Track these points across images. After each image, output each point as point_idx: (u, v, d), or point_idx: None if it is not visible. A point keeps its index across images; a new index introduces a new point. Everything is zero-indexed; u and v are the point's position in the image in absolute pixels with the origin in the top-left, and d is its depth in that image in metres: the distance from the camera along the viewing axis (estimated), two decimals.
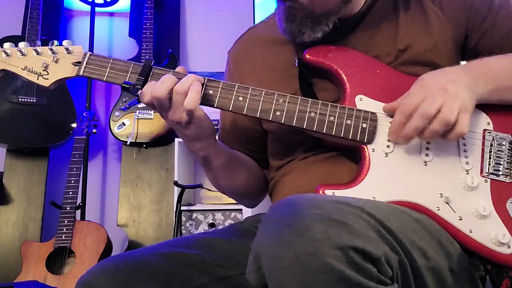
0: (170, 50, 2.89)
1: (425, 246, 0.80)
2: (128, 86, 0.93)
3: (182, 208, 2.45)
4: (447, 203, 0.89)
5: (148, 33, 2.83)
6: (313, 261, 0.62)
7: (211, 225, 2.50)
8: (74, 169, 2.40)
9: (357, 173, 0.91)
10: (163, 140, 2.74)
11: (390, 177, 0.90)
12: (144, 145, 2.79)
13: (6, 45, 0.96)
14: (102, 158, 2.97)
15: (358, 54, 0.99)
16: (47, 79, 0.95)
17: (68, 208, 2.33)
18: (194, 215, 2.51)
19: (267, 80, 1.08)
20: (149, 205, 2.78)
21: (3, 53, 0.96)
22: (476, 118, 0.94)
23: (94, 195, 2.88)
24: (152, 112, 2.71)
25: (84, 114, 2.55)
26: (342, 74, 0.97)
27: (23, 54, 0.95)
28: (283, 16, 0.99)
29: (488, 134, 0.94)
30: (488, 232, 0.88)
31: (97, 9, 2.96)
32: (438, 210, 0.88)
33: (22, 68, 0.95)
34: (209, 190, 2.60)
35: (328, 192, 0.88)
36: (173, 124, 0.94)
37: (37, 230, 2.63)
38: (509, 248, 0.87)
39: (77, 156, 2.42)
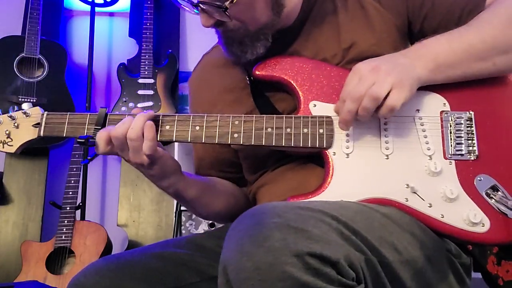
0: (169, 50, 2.89)
1: (395, 240, 0.80)
2: (83, 140, 0.93)
3: (182, 208, 2.45)
4: (414, 192, 0.89)
5: (148, 33, 2.83)
6: (272, 271, 0.63)
7: (211, 225, 2.50)
8: (74, 169, 2.40)
9: (323, 178, 0.92)
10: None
11: (354, 177, 0.91)
12: None
13: None
14: (102, 158, 2.97)
15: (306, 61, 1.00)
16: (12, 145, 0.97)
17: (68, 208, 2.34)
18: (194, 215, 2.51)
19: (226, 102, 1.09)
20: (149, 205, 2.78)
21: None
22: (431, 101, 0.95)
23: (94, 195, 2.88)
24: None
25: None
26: (293, 83, 0.98)
27: None
28: (223, 40, 1.00)
29: (445, 115, 0.94)
30: (460, 214, 0.88)
31: (97, 9, 2.96)
32: (406, 201, 0.89)
33: None
34: None
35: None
36: (136, 166, 0.94)
37: (37, 230, 2.63)
38: (483, 226, 0.87)
39: (77, 156, 2.42)
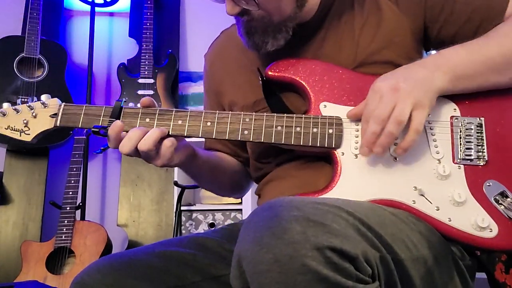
0: (169, 50, 2.90)
1: (405, 237, 0.80)
2: (97, 129, 0.96)
3: (182, 208, 2.46)
4: (422, 195, 0.89)
5: (148, 33, 2.83)
6: (292, 263, 0.62)
7: (211, 225, 2.50)
8: (74, 169, 2.40)
9: (331, 178, 0.92)
10: None
11: (362, 177, 0.91)
12: None
13: None
14: (102, 158, 2.97)
15: (318, 63, 1.01)
16: (29, 134, 1.01)
17: (68, 208, 2.34)
18: (194, 215, 2.51)
19: (240, 81, 1.11)
20: (149, 205, 2.78)
21: None
22: (442, 106, 0.95)
23: (94, 195, 2.88)
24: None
25: None
26: (304, 84, 0.99)
27: (4, 115, 1.01)
28: (244, 30, 1.00)
29: (456, 120, 0.94)
30: (468, 218, 0.87)
31: (97, 9, 2.96)
32: (414, 203, 0.89)
33: (5, 128, 1.01)
34: None
35: None
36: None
37: (37, 230, 2.63)
38: (491, 231, 0.86)
39: (77, 156, 2.42)
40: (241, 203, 2.46)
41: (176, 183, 2.43)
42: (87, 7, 2.94)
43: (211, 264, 0.98)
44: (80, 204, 2.53)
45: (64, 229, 2.30)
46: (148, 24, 2.85)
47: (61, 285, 2.18)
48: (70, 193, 2.36)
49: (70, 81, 2.76)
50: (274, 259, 0.63)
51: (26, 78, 2.65)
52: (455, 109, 0.96)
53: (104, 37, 3.08)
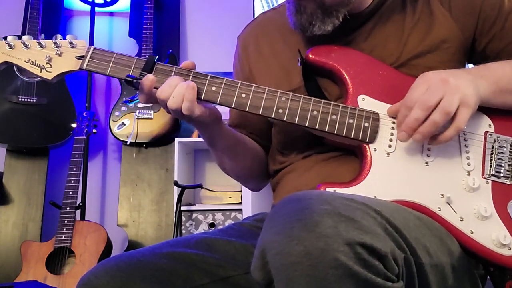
0: (170, 50, 2.89)
1: (427, 243, 0.80)
2: (131, 79, 0.93)
3: (182, 208, 2.46)
4: (448, 203, 0.89)
5: (148, 33, 2.83)
6: (323, 257, 0.61)
7: (211, 225, 2.50)
8: (74, 169, 2.40)
9: (358, 172, 0.91)
10: (163, 140, 2.75)
11: (391, 176, 0.90)
12: (144, 145, 2.79)
13: (10, 37, 0.96)
14: (102, 158, 2.97)
15: (361, 55, 0.99)
16: (50, 72, 0.95)
17: (68, 208, 2.34)
18: (194, 215, 2.51)
19: (274, 67, 1.09)
20: (149, 205, 2.78)
21: (6, 45, 0.96)
22: (477, 120, 0.94)
23: (94, 195, 2.88)
24: (152, 112, 2.71)
25: (84, 114, 2.55)
26: (345, 74, 0.97)
27: (26, 47, 0.96)
28: (293, 9, 0.99)
29: (489, 136, 0.94)
30: (489, 233, 0.88)
31: (97, 9, 2.96)
32: (439, 210, 0.88)
33: (25, 61, 0.95)
34: (209, 190, 2.60)
35: (329, 189, 0.88)
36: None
37: (37, 230, 2.63)
38: (510, 250, 0.87)
39: (77, 156, 2.42)
40: (241, 203, 2.46)
41: (176, 183, 2.43)
42: (87, 7, 2.94)
43: (219, 265, 0.96)
44: (80, 204, 2.53)
45: (64, 229, 2.30)
46: (148, 24, 2.85)
47: (61, 285, 2.18)
48: (70, 193, 2.36)
49: (70, 81, 2.76)
50: (305, 252, 0.62)
51: (26, 78, 2.65)
52: (490, 125, 0.95)
53: (104, 37, 3.08)
